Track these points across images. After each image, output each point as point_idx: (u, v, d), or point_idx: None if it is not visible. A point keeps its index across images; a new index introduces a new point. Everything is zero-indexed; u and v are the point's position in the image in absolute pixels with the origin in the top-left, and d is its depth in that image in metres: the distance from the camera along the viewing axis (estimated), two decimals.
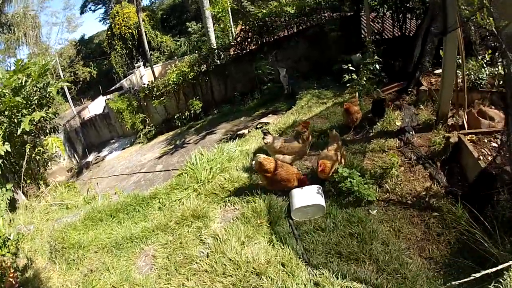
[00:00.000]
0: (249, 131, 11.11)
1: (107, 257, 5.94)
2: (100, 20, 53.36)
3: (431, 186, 5.36)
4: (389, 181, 5.68)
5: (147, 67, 31.84)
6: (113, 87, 28.60)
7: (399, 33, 12.05)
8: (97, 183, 15.25)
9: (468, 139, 5.73)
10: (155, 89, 20.01)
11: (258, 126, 11.16)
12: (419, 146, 6.42)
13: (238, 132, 11.45)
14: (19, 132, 8.70)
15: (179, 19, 44.38)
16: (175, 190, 7.25)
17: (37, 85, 9.81)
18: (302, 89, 12.48)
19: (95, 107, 31.39)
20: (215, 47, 18.80)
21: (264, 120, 11.69)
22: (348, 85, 9.60)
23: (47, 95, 10.29)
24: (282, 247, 4.92)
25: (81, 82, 48.63)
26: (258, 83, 16.42)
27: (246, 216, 5.71)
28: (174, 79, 18.85)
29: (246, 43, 17.53)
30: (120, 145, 23.60)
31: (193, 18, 40.38)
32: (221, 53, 18.18)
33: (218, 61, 18.15)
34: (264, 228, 5.45)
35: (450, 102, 6.61)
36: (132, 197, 7.65)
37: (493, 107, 6.69)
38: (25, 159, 9.35)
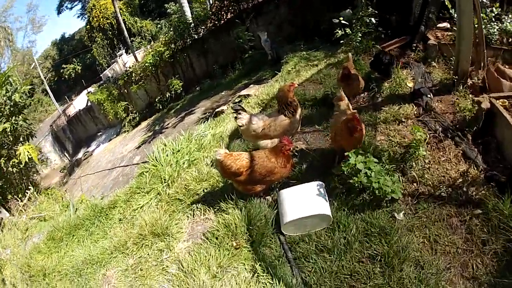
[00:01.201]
0: (227, 108, 9.59)
1: (71, 287, 5.24)
2: (78, 16, 51.71)
3: (468, 170, 4.09)
4: (414, 165, 4.32)
5: (129, 54, 31.14)
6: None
7: None
8: (83, 182, 14.95)
9: (500, 104, 4.51)
10: (133, 74, 18.87)
11: (236, 101, 9.58)
12: (442, 113, 5.13)
13: (217, 110, 9.92)
14: None
15: (157, 2, 43.03)
16: (136, 195, 6.35)
17: None
18: (287, 53, 10.95)
19: (80, 102, 30.44)
20: (190, 21, 17.09)
21: (244, 92, 10.00)
22: (342, 41, 8.19)
23: (14, 103, 10.16)
24: (271, 280, 3.59)
25: (67, 80, 47.74)
26: (239, 52, 14.87)
27: (218, 236, 4.36)
28: (151, 61, 17.60)
29: (222, 13, 16.09)
30: (107, 136, 22.61)
31: None
32: (197, 27, 16.83)
33: (196, 36, 16.84)
34: (244, 251, 4.06)
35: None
36: (90, 208, 6.85)
37: (506, 66, 5.50)
38: None
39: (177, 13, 33.49)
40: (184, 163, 6.32)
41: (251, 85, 10.57)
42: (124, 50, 32.75)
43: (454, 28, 6.43)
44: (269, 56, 12.24)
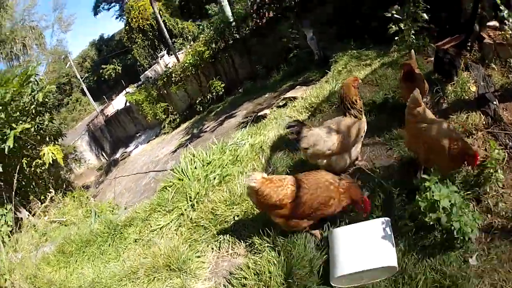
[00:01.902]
0: (270, 112, 8.72)
1: None
2: (117, 18, 51.46)
3: None
4: (488, 189, 3.57)
5: (171, 55, 30.40)
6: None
7: None
8: (117, 183, 14.87)
9: None
10: (173, 75, 18.58)
11: (280, 104, 8.85)
12: (510, 123, 4.42)
13: (259, 114, 9.28)
14: (6, 150, 8.40)
15: (198, 3, 42.35)
16: (155, 213, 5.54)
17: (22, 95, 9.57)
18: (336, 52, 9.91)
19: (119, 102, 30.35)
20: (231, 20, 16.45)
21: (289, 94, 9.26)
22: (396, 38, 7.24)
23: (41, 103, 9.97)
24: None
25: (107, 80, 48.30)
26: (283, 52, 14.11)
27: (246, 284, 3.57)
28: (190, 61, 17.24)
29: (264, 11, 15.43)
30: (146, 137, 22.47)
31: (212, 0, 38.73)
32: (239, 26, 16.23)
33: (237, 35, 16.25)
34: None
35: None
36: (105, 224, 6.14)
37: None
38: (15, 176, 9.04)
39: (218, 14, 33.35)
40: (214, 179, 5.44)
41: (298, 87, 9.88)
42: (165, 51, 32.37)
43: (505, 27, 5.76)
44: (316, 55, 11.62)
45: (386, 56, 7.89)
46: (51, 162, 9.68)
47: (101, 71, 48.67)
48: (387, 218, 3.27)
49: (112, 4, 50.45)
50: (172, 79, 18.36)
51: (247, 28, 15.95)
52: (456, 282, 2.88)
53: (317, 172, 3.56)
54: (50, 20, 45.36)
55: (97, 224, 6.37)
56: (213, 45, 16.63)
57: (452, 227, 2.99)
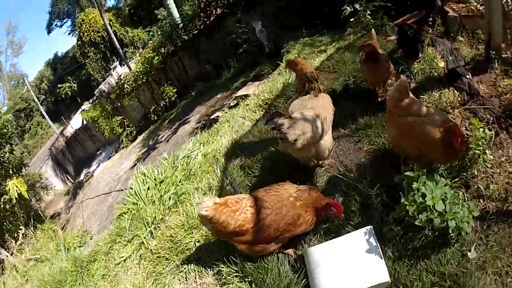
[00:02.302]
0: (222, 114, 8.11)
1: None
2: (69, 33, 49.72)
3: None
4: (476, 172, 3.35)
5: (123, 65, 29.42)
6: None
7: None
8: (84, 207, 14.46)
9: None
10: (125, 86, 17.85)
11: (232, 104, 8.35)
12: (487, 97, 4.22)
13: (211, 117, 8.70)
14: None
15: (147, 9, 41.55)
16: (116, 244, 5.15)
17: None
18: (288, 42, 9.58)
19: (77, 121, 29.14)
20: (178, 21, 15.73)
21: (241, 92, 8.62)
22: (352, 20, 7.08)
23: None
24: None
25: (64, 99, 46.87)
26: (233, 48, 13.60)
27: None
28: (140, 69, 16.62)
29: (211, 8, 14.79)
30: (106, 154, 21.56)
31: (160, 4, 38.00)
32: (186, 27, 15.63)
33: (186, 37, 15.65)
34: None
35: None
36: (72, 261, 5.73)
37: None
38: None
39: (167, 18, 32.67)
40: (169, 199, 4.97)
41: (249, 83, 9.25)
42: (118, 62, 31.49)
43: None
44: (266, 48, 11.12)
45: (342, 40, 7.53)
46: (16, 196, 9.50)
47: (57, 90, 47.05)
48: (369, 227, 2.95)
49: (64, 20, 48.86)
50: (125, 90, 17.62)
51: (195, 29, 15.34)
52: (458, 281, 2.65)
53: (279, 187, 3.13)
54: (3, 45, 42.62)
55: (65, 262, 5.98)
56: (162, 50, 16.00)
57: (448, 226, 2.73)
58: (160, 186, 5.33)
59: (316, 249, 2.95)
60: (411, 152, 3.30)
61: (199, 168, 5.39)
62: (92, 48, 37.04)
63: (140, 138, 16.59)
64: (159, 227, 4.70)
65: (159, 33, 17.89)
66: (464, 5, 6.08)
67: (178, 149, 6.40)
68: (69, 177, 24.72)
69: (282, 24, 12.05)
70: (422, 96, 4.42)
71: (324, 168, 3.97)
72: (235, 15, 13.29)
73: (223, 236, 3.10)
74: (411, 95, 3.30)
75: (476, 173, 3.32)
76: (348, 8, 6.80)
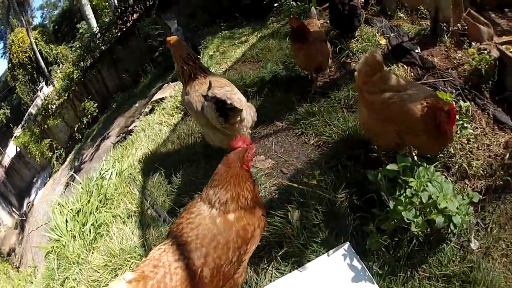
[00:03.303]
0: (138, 124, 7.40)
1: None
2: (1, 56, 46.81)
3: (509, 140, 3.09)
4: (453, 151, 3.05)
5: (49, 85, 27.84)
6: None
7: None
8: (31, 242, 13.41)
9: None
10: (49, 106, 16.51)
11: (147, 110, 7.80)
12: (443, 69, 3.99)
13: (129, 128, 8.11)
14: None
15: (69, 24, 39.97)
16: None
17: None
18: (205, 38, 9.00)
19: (13, 150, 26.97)
20: (95, 30, 14.84)
21: (157, 96, 7.90)
22: (276, 4, 6.78)
23: None
24: None
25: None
26: (149, 53, 12.75)
27: None
28: (61, 85, 15.72)
29: (127, 14, 13.93)
30: (42, 181, 19.91)
31: (82, 18, 36.64)
32: (104, 36, 14.71)
33: (103, 47, 14.73)
34: None
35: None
36: None
37: None
38: None
39: (87, 30, 31.59)
40: (90, 232, 4.31)
41: (165, 85, 8.59)
42: (44, 82, 29.88)
43: None
44: None
45: (265, 28, 7.04)
46: None
47: None
48: (346, 245, 2.49)
49: None
50: (49, 111, 16.36)
51: (112, 37, 14.42)
52: (467, 279, 2.29)
53: (197, 212, 2.11)
54: None
55: None
56: (81, 64, 14.87)
57: (451, 225, 2.31)
58: (78, 216, 4.64)
59: (280, 284, 2.37)
60: (389, 139, 2.75)
61: (115, 190, 4.66)
62: (21, 70, 35.06)
63: (68, 159, 15.63)
64: (85, 269, 3.93)
65: (77, 46, 16.87)
66: None
67: (90, 172, 5.56)
68: (14, 209, 23.17)
69: (199, 22, 11.43)
70: None
71: (264, 173, 3.32)
72: (149, 17, 12.49)
73: None
74: (385, 68, 2.72)
75: (453, 151, 3.02)
76: None
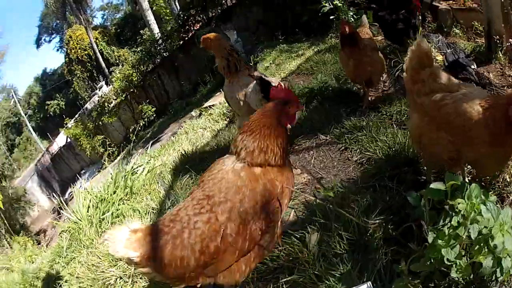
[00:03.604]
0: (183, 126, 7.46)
1: None
2: (58, 50, 48.56)
3: None
4: (508, 178, 2.34)
5: (109, 85, 28.67)
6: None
7: None
8: None
9: None
10: (106, 104, 16.87)
11: (194, 115, 8.00)
12: (501, 87, 3.60)
13: (175, 131, 8.19)
14: None
15: (133, 29, 41.16)
16: (56, 264, 4.30)
17: None
18: (263, 50, 9.11)
19: (62, 139, 27.74)
20: (157, 36, 15.20)
21: (208, 103, 7.99)
22: (332, 17, 6.40)
23: None
24: None
25: (53, 117, 46.03)
26: (210, 63, 12.70)
27: None
28: (119, 86, 15.75)
29: (189, 23, 14.04)
30: (90, 174, 19.85)
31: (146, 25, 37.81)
32: (165, 42, 14.85)
33: (165, 53, 14.92)
34: None
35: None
36: (20, 273, 5.43)
37: None
38: None
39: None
40: (109, 221, 4.22)
41: (218, 93, 8.61)
42: (104, 82, 30.80)
43: None
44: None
45: (322, 43, 6.91)
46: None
47: (45, 107, 46.18)
48: (365, 286, 1.76)
49: (53, 36, 47.91)
50: (106, 109, 16.73)
51: (174, 45, 14.64)
52: None
53: (219, 168, 1.90)
54: None
55: (15, 274, 5.72)
56: (142, 67, 15.16)
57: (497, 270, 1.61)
58: (101, 204, 4.59)
59: None
60: (441, 153, 2.15)
61: (143, 186, 4.63)
62: (79, 66, 36.16)
63: (118, 158, 15.72)
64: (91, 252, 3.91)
65: (138, 50, 17.28)
66: (454, 1, 5.74)
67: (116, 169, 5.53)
68: (54, 195, 23.90)
69: (259, 36, 11.60)
70: None
71: (297, 188, 2.89)
72: (209, 26, 12.71)
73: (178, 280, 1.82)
74: (436, 64, 2.29)
75: (509, 179, 2.37)
76: (326, 5, 6.12)
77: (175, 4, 17.57)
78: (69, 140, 22.67)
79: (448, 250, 1.61)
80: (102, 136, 17.73)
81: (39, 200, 22.09)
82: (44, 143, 40.15)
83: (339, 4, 5.92)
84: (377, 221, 2.19)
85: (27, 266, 5.81)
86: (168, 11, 17.83)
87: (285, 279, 2.14)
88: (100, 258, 3.50)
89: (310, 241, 2.25)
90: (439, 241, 1.63)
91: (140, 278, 2.94)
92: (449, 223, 1.70)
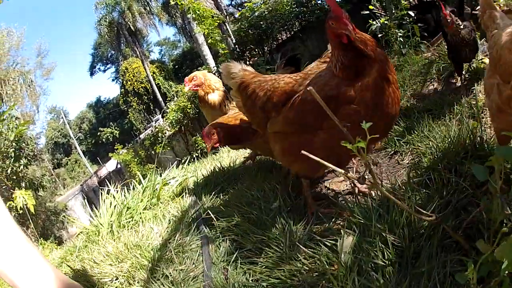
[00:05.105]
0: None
1: None
2: (113, 80, 50.77)
3: None
4: None
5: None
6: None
7: None
8: None
9: None
10: (159, 134, 17.03)
11: None
12: None
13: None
14: None
15: (191, 65, 42.29)
16: (67, 261, 4.17)
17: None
18: None
19: (112, 164, 28.75)
20: (214, 70, 15.24)
21: None
22: (380, 36, 5.75)
23: (18, 147, 9.79)
24: None
25: (105, 144, 47.59)
26: None
27: None
28: (173, 117, 15.85)
29: (244, 57, 13.95)
30: None
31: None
32: (220, 76, 14.47)
33: None
34: None
35: None
36: None
37: None
38: None
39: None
40: (126, 225, 4.14)
41: None
42: (160, 115, 31.61)
43: None
44: None
45: None
46: (21, 206, 8.87)
47: (98, 133, 47.82)
48: None
49: (108, 66, 50.11)
50: (159, 139, 16.90)
51: None
52: None
53: None
54: (30, 64, 39.00)
55: None
56: (196, 100, 15.17)
57: None
58: (127, 211, 4.46)
59: None
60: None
61: (168, 197, 4.53)
62: (135, 98, 37.51)
63: None
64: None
65: None
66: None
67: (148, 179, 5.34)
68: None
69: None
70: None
71: (338, 197, 2.51)
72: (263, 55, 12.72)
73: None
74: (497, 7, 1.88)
75: None
76: (374, 23, 5.76)
77: (231, 39, 17.82)
78: (119, 166, 23.09)
79: None
80: (154, 165, 17.78)
81: (79, 218, 22.39)
82: (93, 167, 41.10)
83: (387, 23, 5.56)
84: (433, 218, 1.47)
85: None
86: (223, 45, 18.05)
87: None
88: (103, 255, 3.39)
89: (342, 247, 1.74)
90: None
91: (135, 280, 2.82)
92: None
